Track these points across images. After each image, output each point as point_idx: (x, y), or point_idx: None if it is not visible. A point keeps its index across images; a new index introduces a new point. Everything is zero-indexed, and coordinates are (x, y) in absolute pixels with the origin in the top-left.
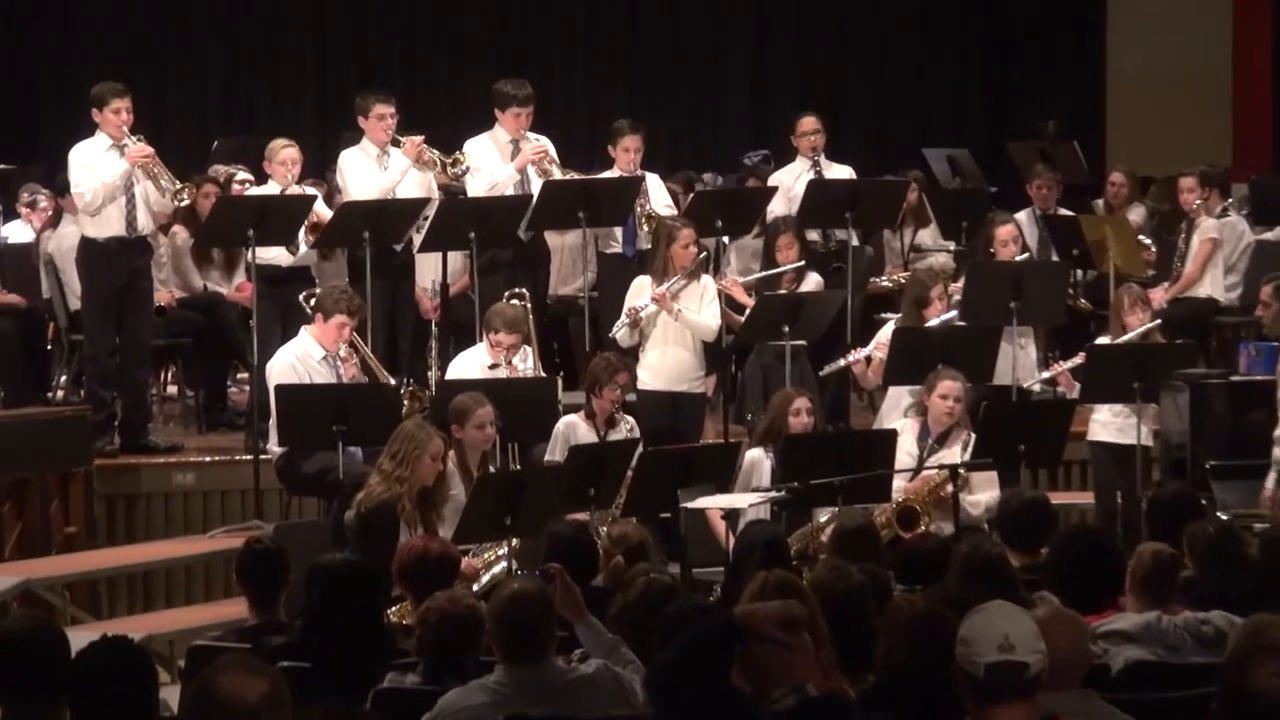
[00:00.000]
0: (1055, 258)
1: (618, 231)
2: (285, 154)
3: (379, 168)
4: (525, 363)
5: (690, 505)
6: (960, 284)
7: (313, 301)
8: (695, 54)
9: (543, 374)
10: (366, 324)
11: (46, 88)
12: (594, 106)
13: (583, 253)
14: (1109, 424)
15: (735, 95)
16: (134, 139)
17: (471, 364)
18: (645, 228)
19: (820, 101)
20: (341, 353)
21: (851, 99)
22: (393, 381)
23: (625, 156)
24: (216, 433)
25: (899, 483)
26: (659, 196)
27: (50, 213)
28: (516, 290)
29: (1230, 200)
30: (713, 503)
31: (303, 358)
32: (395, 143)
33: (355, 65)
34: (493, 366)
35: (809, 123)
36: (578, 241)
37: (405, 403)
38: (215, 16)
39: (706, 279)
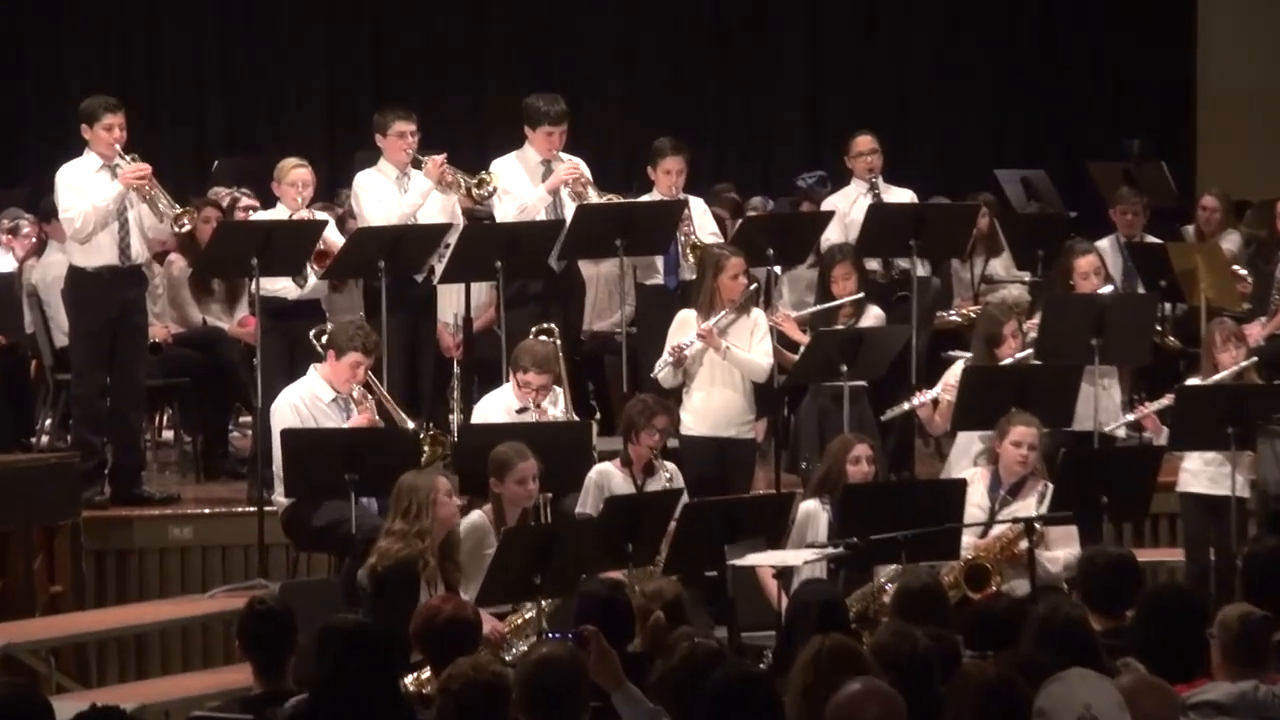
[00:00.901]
0: (1141, 290)
1: (658, 261)
2: (296, 175)
3: (398, 190)
4: (556, 405)
5: (739, 562)
6: (1036, 319)
7: (324, 338)
8: (743, 66)
9: (575, 417)
10: (382, 362)
11: (30, 102)
12: (632, 124)
13: (620, 284)
14: (1200, 473)
15: (787, 111)
16: (128, 158)
17: (497, 407)
18: (689, 257)
19: (882, 118)
20: (354, 394)
21: (916, 115)
22: (411, 425)
23: (667, 179)
24: (217, 482)
25: (968, 538)
26: (704, 222)
27: (34, 240)
28: (545, 326)
29: None
30: (764, 560)
31: (310, 400)
32: (416, 163)
33: (370, 78)
34: (520, 410)
35: (864, 142)
36: (615, 272)
37: (425, 449)
38: (216, 24)
39: (757, 313)
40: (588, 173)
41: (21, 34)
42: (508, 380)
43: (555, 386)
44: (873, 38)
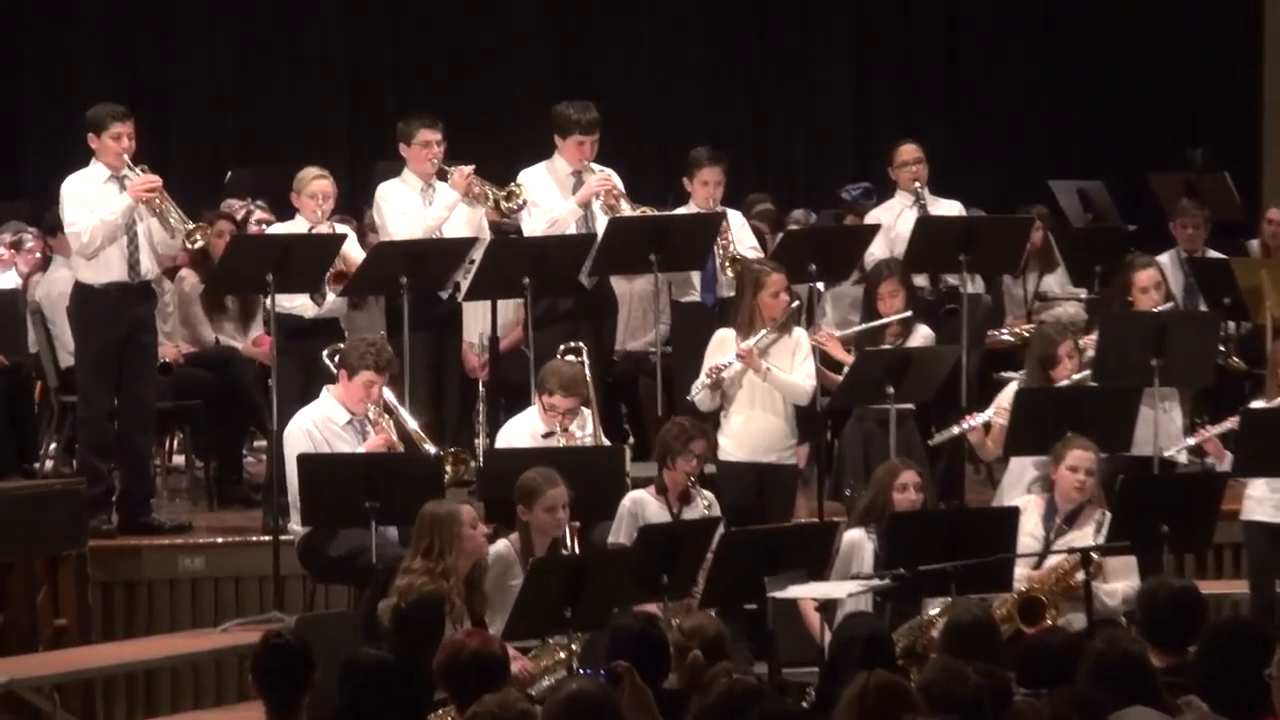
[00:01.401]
0: (1203, 307)
1: (695, 277)
2: (317, 186)
3: (422, 202)
4: (584, 429)
5: (779, 595)
6: (1093, 338)
7: (336, 357)
8: (784, 72)
9: (605, 441)
10: (404, 385)
11: (32, 109)
12: (667, 133)
13: (654, 301)
14: (1266, 500)
15: (832, 118)
16: (137, 169)
17: (522, 431)
18: (727, 272)
19: (930, 125)
20: (371, 416)
21: (966, 123)
22: (433, 449)
23: (703, 190)
24: (230, 510)
25: (1022, 569)
26: (743, 236)
27: (38, 255)
28: (573, 345)
29: None
30: (806, 592)
31: (322, 423)
32: (441, 174)
33: (394, 83)
34: (546, 434)
35: (909, 151)
36: (649, 288)
37: (448, 468)
38: (229, 26)
39: (799, 332)
40: (620, 184)
41: (22, 35)
42: (535, 403)
43: (584, 409)
44: (921, 42)
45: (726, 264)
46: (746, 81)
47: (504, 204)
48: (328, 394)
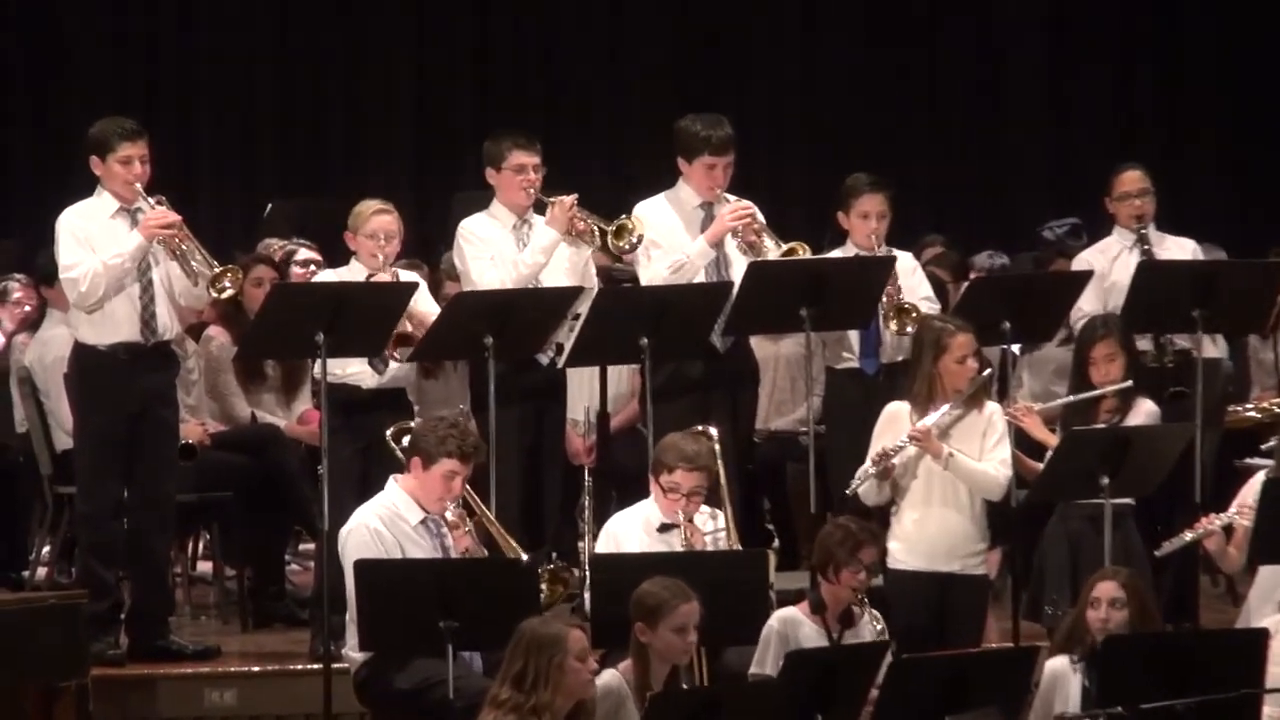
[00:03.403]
0: None
1: (854, 337)
2: (378, 222)
3: (515, 242)
4: (715, 525)
5: None
6: None
7: (406, 440)
8: (964, 81)
9: (737, 545)
10: (490, 475)
11: (21, 129)
12: (815, 155)
13: (806, 368)
14: None
15: (1025, 136)
16: (151, 201)
17: (633, 525)
18: (892, 326)
19: (1151, 147)
20: (450, 515)
21: (1194, 145)
22: (524, 557)
23: (864, 226)
24: (269, 630)
25: (1272, 709)
26: (915, 285)
27: (28, 308)
28: (702, 429)
29: None
30: None
31: (390, 521)
32: (539, 206)
33: (473, 94)
34: (665, 528)
35: (1131, 179)
36: (798, 352)
37: (543, 587)
38: (264, 22)
39: (991, 407)
40: (761, 217)
41: (9, 41)
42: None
43: (715, 509)
44: (1136, 46)
45: (892, 317)
46: (913, 89)
47: (615, 243)
48: (395, 486)
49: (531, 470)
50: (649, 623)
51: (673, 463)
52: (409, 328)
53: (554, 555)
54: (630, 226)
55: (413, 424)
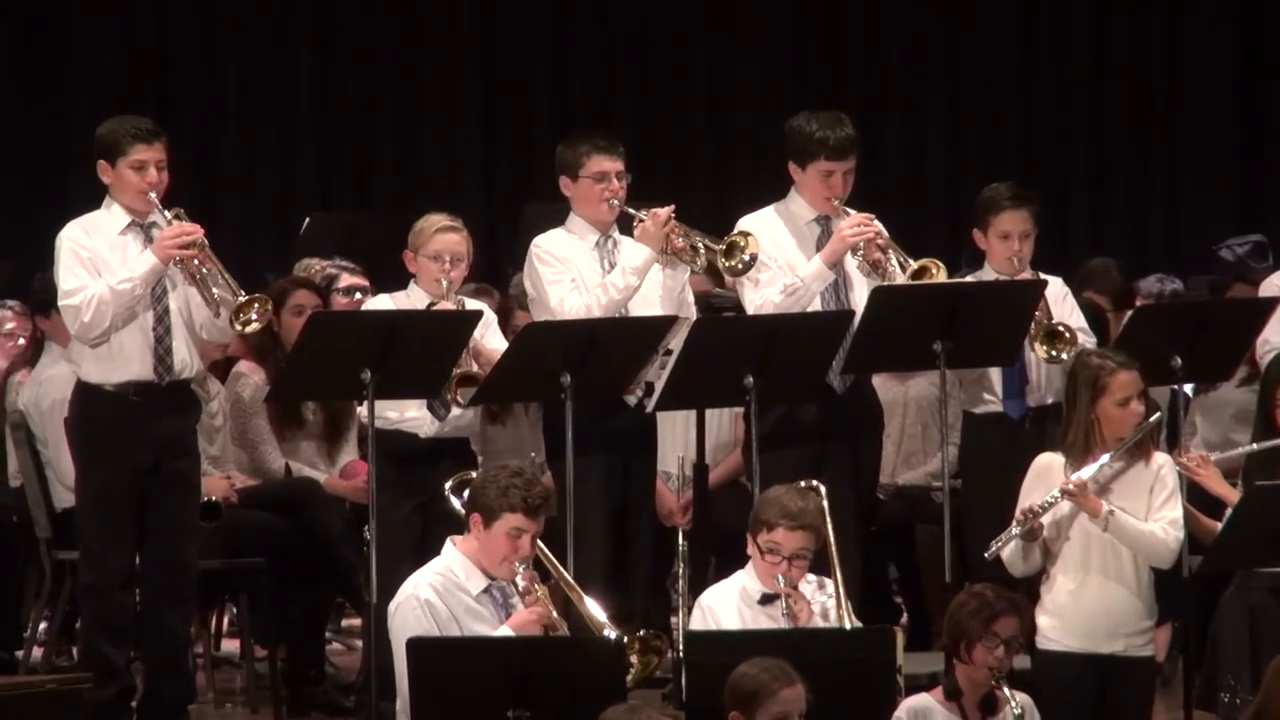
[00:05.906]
0: None
1: (996, 376)
2: (444, 241)
3: (598, 262)
4: (824, 594)
5: None
6: None
7: (466, 493)
8: (1118, 78)
9: (853, 620)
10: (568, 535)
11: (19, 131)
12: (948, 163)
13: (940, 412)
14: None
15: (1197, 144)
16: (169, 215)
17: (729, 597)
18: (1042, 353)
19: None
20: (520, 580)
21: None
22: (613, 634)
23: (1004, 247)
24: (307, 719)
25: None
26: (1067, 314)
27: (22, 341)
28: (813, 484)
29: None
30: None
31: (446, 591)
32: (626, 221)
33: (547, 91)
34: (766, 599)
35: None
36: (931, 392)
37: (633, 660)
38: (305, 9)
39: (1160, 459)
40: (885, 232)
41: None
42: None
43: (824, 577)
44: None
45: (1042, 343)
46: (1059, 87)
47: (724, 263)
48: (452, 549)
49: (616, 532)
50: (745, 710)
51: (773, 519)
52: (474, 366)
53: (645, 630)
54: (742, 244)
55: (473, 475)
